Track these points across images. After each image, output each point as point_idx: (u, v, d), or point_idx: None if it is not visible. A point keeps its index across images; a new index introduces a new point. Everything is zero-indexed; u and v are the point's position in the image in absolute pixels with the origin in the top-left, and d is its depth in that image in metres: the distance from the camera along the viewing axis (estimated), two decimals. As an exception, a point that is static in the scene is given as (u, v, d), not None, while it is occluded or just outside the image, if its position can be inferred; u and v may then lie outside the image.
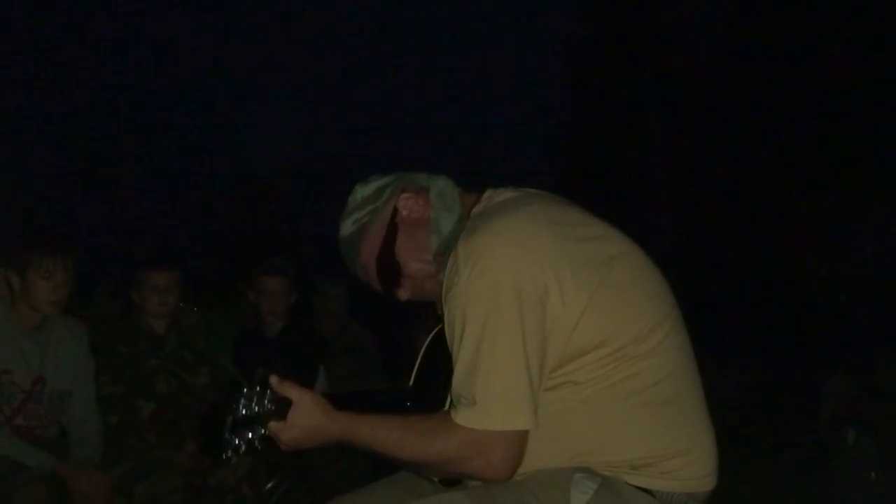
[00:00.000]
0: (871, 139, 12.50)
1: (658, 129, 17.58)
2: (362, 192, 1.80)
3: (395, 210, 1.76)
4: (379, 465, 1.86)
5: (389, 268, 1.76)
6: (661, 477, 1.60)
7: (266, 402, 1.57)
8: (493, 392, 1.51)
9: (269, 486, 3.33)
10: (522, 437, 1.53)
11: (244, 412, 1.55)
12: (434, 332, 1.80)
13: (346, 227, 1.79)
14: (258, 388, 1.57)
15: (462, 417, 1.53)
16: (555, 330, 1.54)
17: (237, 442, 1.55)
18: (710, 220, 15.81)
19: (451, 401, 1.59)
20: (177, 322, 3.55)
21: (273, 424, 1.58)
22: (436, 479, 1.70)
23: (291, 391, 1.61)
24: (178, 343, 3.50)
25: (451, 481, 1.68)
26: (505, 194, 1.72)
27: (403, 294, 1.78)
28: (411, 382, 1.81)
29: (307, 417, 1.60)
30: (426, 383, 1.77)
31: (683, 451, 1.61)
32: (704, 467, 1.65)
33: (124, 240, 20.47)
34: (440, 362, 1.66)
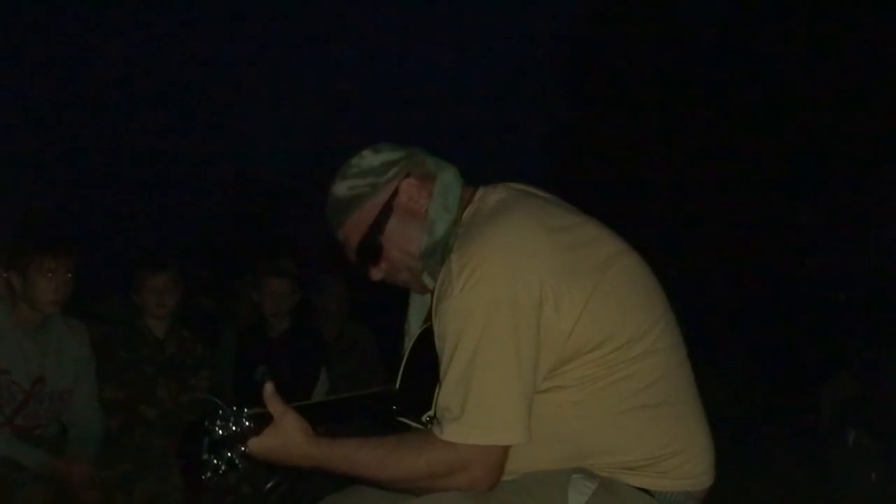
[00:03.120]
0: (870, 138, 12.50)
1: (658, 128, 17.58)
2: (369, 160, 1.74)
3: (396, 192, 1.71)
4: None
5: (372, 247, 1.72)
6: (658, 476, 1.60)
7: (244, 419, 1.56)
8: (484, 407, 1.49)
9: (269, 485, 3.33)
10: (506, 448, 1.52)
11: (220, 432, 1.54)
12: (418, 333, 1.78)
13: (341, 189, 1.74)
14: (234, 408, 1.56)
15: (449, 433, 1.51)
16: (549, 339, 1.52)
17: (216, 462, 1.55)
18: (710, 220, 15.81)
19: (435, 415, 1.57)
20: (176, 326, 3.56)
21: (252, 441, 1.57)
22: None
23: (275, 407, 1.59)
24: (178, 348, 3.50)
25: None
26: (496, 195, 1.68)
27: (376, 274, 1.75)
28: (397, 385, 1.79)
29: (286, 437, 1.58)
30: (412, 385, 1.75)
31: (680, 450, 1.61)
32: (701, 465, 1.65)
33: (125, 240, 20.49)
34: (426, 364, 1.64)
